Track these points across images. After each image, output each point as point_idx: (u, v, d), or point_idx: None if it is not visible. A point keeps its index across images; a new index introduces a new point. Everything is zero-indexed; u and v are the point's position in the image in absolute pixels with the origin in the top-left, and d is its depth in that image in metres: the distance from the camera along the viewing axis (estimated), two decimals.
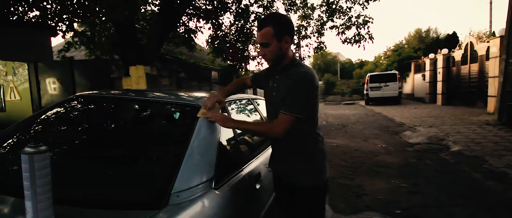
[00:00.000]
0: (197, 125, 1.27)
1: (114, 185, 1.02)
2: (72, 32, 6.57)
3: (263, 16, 1.80)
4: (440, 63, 13.10)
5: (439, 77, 13.15)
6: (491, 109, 8.44)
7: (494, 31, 15.16)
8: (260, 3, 8.24)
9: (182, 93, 1.63)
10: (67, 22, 6.17)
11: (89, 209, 0.86)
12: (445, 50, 12.91)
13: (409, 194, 3.30)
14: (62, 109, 1.53)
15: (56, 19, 6.28)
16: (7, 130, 1.51)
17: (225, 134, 1.43)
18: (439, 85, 13.21)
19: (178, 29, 7.70)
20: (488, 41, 9.55)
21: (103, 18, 6.44)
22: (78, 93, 1.70)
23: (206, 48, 11.12)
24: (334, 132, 7.81)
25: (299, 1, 9.39)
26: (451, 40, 16.32)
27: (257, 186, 1.52)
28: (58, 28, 6.34)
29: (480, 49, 10.29)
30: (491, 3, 19.11)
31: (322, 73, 30.31)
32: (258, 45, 1.38)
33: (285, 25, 1.31)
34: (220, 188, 1.16)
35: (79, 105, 1.55)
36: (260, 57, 9.88)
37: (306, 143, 1.37)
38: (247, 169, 1.50)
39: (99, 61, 6.40)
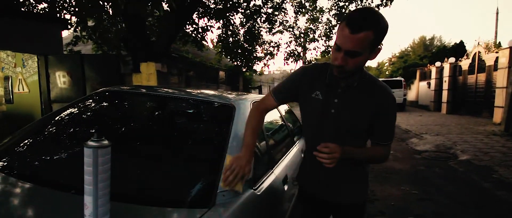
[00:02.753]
0: (233, 125, 1.26)
1: (163, 183, 1.02)
2: (82, 25, 6.58)
3: (357, 14, 0.99)
4: (446, 72, 13.08)
5: (445, 85, 13.13)
6: (497, 119, 8.42)
7: (499, 42, 15.15)
8: (271, 4, 8.26)
9: (213, 92, 1.63)
10: (74, 15, 6.18)
11: (141, 206, 0.85)
12: (452, 59, 12.90)
13: (421, 201, 3.29)
14: (95, 102, 1.52)
15: (64, 11, 6.29)
16: (33, 124, 1.50)
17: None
18: (445, 94, 13.19)
19: (187, 28, 7.71)
20: (497, 52, 9.53)
21: (111, 13, 6.47)
22: (106, 88, 1.69)
23: (212, 48, 11.15)
24: None
25: (308, 4, 9.40)
26: (458, 49, 16.32)
27: (285, 188, 1.52)
28: (70, 21, 6.35)
29: (488, 59, 10.27)
30: (497, 13, 19.13)
31: None
32: (339, 50, 0.98)
33: (386, 31, 0.98)
34: (258, 189, 1.16)
35: (110, 100, 1.54)
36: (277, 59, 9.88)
37: (366, 164, 1.28)
38: (277, 170, 1.49)
39: (110, 57, 6.42)
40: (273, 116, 2.05)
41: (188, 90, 1.70)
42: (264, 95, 1.31)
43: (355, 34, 0.93)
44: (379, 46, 1.01)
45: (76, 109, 1.49)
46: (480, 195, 3.52)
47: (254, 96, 1.85)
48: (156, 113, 1.50)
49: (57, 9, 6.24)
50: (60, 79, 5.83)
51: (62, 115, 1.49)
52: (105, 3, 6.00)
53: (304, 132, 1.29)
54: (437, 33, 62.90)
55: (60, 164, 1.16)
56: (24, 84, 6.32)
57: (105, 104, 1.53)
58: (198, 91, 1.71)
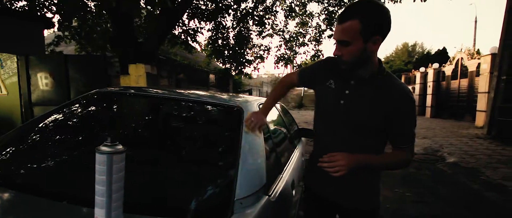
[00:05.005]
0: (243, 128, 1.20)
1: (177, 192, 0.94)
2: (65, 25, 6.31)
3: (348, 4, 1.42)
4: (430, 77, 13.53)
5: (429, 90, 13.57)
6: (479, 123, 8.73)
7: (478, 49, 15.87)
8: (262, 7, 8.26)
9: (217, 94, 1.55)
10: (56, 13, 5.93)
11: None
12: (435, 65, 13.36)
13: (415, 204, 3.32)
14: (88, 105, 1.41)
15: (45, 10, 6.01)
16: (18, 129, 1.38)
17: (265, 139, 1.36)
18: (429, 98, 13.62)
19: (176, 29, 7.56)
20: (479, 58, 9.92)
21: (96, 12, 6.26)
22: (100, 89, 1.58)
23: (200, 50, 11.02)
24: None
25: (298, 8, 9.47)
26: (441, 56, 16.96)
27: (293, 193, 1.46)
28: (54, 19, 6.07)
29: (471, 65, 10.69)
30: (475, 22, 20.11)
31: None
32: (335, 41, 1.02)
33: (379, 19, 0.96)
34: (272, 195, 1.10)
35: (107, 102, 1.43)
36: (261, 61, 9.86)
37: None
38: (285, 174, 1.44)
39: (96, 58, 6.18)
40: (275, 119, 1.99)
41: (189, 92, 1.60)
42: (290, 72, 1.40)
43: (341, 24, 0.97)
44: (377, 36, 0.98)
45: (68, 112, 1.38)
46: (470, 197, 3.59)
47: (259, 98, 1.79)
48: (160, 116, 1.40)
49: (38, 8, 5.96)
50: (42, 81, 5.54)
51: (51, 118, 1.37)
52: (89, 2, 5.80)
53: (315, 125, 1.26)
54: (418, 39, 65.34)
55: (52, 171, 1.05)
56: (2, 86, 5.98)
57: (100, 107, 1.42)
58: (200, 93, 1.63)
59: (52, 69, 5.45)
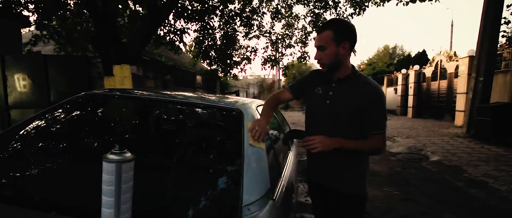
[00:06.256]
0: (245, 131, 1.16)
1: (183, 200, 0.88)
2: (43, 24, 6.01)
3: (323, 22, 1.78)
4: (412, 79, 13.97)
5: (411, 91, 14.01)
6: (459, 122, 9.09)
7: (455, 51, 16.61)
8: (249, 8, 8.24)
9: (213, 97, 1.50)
10: (34, 12, 5.64)
11: None
12: (416, 67, 13.81)
13: (404, 202, 3.39)
14: (77, 109, 1.32)
15: (21, 8, 5.71)
16: (7, 131, 1.28)
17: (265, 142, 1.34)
18: (410, 99, 14.06)
19: (162, 30, 7.38)
20: (457, 60, 10.35)
21: (74, 11, 6.00)
22: (87, 92, 1.50)
23: (185, 52, 10.86)
24: None
25: (284, 10, 9.53)
26: (422, 58, 17.56)
27: (293, 195, 1.44)
28: (33, 18, 5.77)
29: (450, 67, 11.13)
30: (452, 25, 21.04)
31: None
32: (316, 48, 1.34)
33: (347, 31, 1.29)
34: (276, 199, 1.07)
35: (96, 106, 1.35)
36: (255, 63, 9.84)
37: (364, 156, 1.42)
38: (285, 177, 1.41)
39: (78, 58, 5.94)
40: (272, 122, 1.97)
41: (183, 94, 1.55)
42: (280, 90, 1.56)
43: (319, 34, 1.31)
44: (346, 43, 1.27)
45: (53, 117, 1.28)
46: (455, 194, 3.71)
47: (255, 100, 1.77)
48: (155, 120, 1.34)
49: (13, 5, 5.65)
50: (20, 83, 5.26)
51: (35, 124, 1.28)
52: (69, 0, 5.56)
53: (306, 124, 1.49)
54: (398, 42, 67.61)
55: (39, 180, 0.98)
56: None
57: (89, 111, 1.33)
58: (196, 95, 1.58)
59: (30, 70, 5.18)
